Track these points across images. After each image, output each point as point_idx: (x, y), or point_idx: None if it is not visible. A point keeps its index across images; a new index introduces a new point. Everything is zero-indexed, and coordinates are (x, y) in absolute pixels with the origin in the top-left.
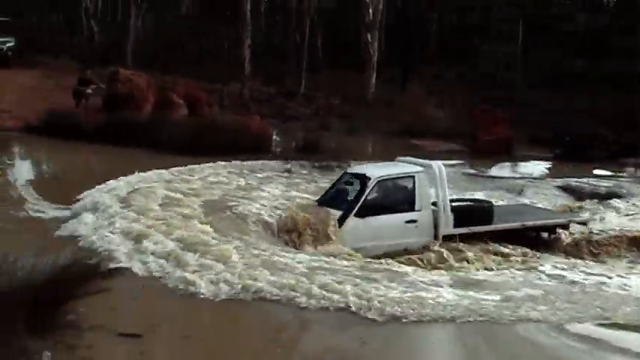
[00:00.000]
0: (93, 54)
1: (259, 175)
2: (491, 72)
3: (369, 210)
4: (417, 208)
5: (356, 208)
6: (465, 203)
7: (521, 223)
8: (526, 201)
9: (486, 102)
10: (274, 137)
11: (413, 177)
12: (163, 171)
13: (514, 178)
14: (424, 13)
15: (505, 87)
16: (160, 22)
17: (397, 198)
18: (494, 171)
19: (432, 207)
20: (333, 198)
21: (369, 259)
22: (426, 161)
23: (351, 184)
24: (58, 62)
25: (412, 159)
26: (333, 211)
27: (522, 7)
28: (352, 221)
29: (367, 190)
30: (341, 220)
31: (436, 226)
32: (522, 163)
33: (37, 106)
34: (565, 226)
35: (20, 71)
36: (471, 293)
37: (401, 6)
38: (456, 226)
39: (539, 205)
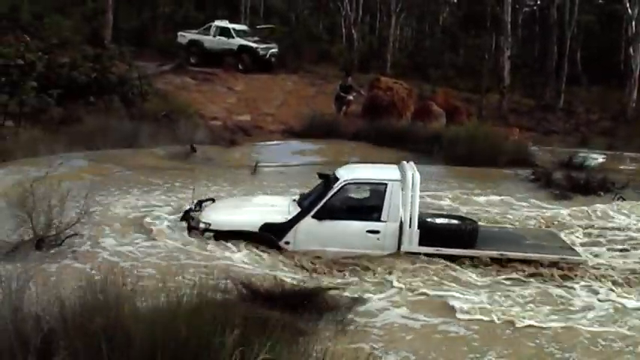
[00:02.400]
0: (353, 61)
1: None
2: None
3: (330, 213)
4: (382, 218)
5: (314, 210)
6: (443, 221)
7: (499, 252)
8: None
9: None
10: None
11: (385, 185)
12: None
13: None
14: None
15: None
16: (418, 31)
17: (364, 205)
18: None
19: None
20: (305, 198)
21: None
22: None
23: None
24: (319, 68)
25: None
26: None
27: None
28: (307, 222)
29: (331, 192)
30: (295, 220)
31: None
32: None
33: (299, 111)
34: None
35: (282, 77)
36: None
37: None
38: (423, 244)
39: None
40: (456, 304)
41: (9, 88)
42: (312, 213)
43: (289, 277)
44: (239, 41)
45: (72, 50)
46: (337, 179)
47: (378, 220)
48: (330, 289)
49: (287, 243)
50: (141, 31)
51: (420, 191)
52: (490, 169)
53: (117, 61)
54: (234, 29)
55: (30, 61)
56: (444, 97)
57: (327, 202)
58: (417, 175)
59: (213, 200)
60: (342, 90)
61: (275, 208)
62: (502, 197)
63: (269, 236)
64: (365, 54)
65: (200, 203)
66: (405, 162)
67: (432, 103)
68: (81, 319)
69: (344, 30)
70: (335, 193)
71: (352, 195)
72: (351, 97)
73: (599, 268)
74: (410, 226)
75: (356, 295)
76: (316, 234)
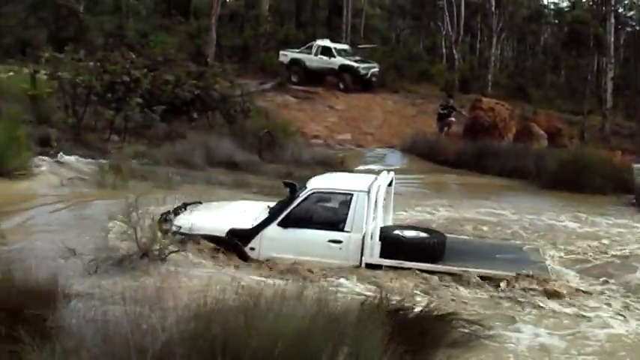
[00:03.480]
0: (453, 81)
1: None
2: None
3: (295, 221)
4: (346, 228)
5: (280, 217)
6: (412, 233)
7: (461, 269)
8: None
9: None
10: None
11: (351, 195)
12: None
13: None
14: None
15: None
16: (519, 51)
17: (329, 214)
18: None
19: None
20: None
21: None
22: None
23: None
24: (419, 88)
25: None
26: None
27: None
28: (272, 229)
29: (297, 201)
30: (261, 226)
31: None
32: None
33: (399, 130)
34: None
35: (383, 96)
36: None
37: None
38: (385, 256)
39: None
40: None
41: (115, 104)
42: (277, 220)
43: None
44: (340, 60)
45: (176, 67)
46: (305, 188)
47: (342, 230)
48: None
49: (252, 249)
50: (243, 49)
51: (532, 216)
52: (595, 195)
53: (220, 78)
54: (335, 48)
55: (135, 78)
56: (546, 118)
57: (292, 210)
58: (383, 187)
59: (200, 203)
60: (443, 110)
61: (247, 214)
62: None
63: (235, 241)
64: (465, 74)
65: (185, 206)
66: (385, 172)
67: (533, 125)
68: (197, 329)
69: (444, 50)
70: (301, 201)
71: (318, 204)
72: (452, 119)
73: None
74: (371, 238)
75: None
76: (280, 241)
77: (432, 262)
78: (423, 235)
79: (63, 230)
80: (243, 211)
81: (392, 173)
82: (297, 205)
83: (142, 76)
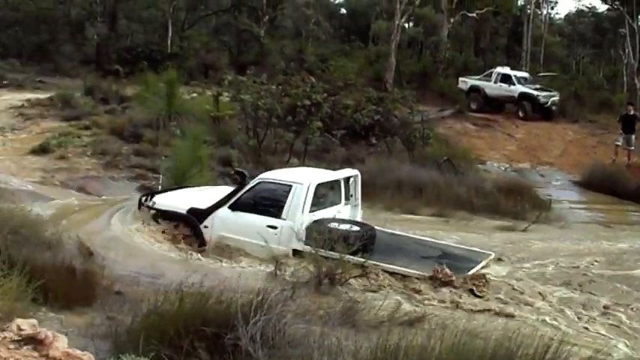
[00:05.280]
0: None
1: None
2: None
3: (242, 206)
4: (283, 216)
5: (230, 201)
6: (345, 226)
7: (375, 262)
8: None
9: None
10: None
11: (290, 186)
12: None
13: None
14: None
15: None
16: None
17: (270, 202)
18: None
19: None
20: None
21: None
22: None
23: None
24: (600, 118)
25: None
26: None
27: None
28: (223, 211)
29: (246, 188)
30: (215, 208)
31: None
32: None
33: (579, 160)
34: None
35: (563, 125)
36: None
37: None
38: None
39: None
40: None
41: (295, 127)
42: (228, 204)
43: None
44: (520, 88)
45: (356, 92)
46: (254, 177)
47: (279, 217)
48: None
49: (206, 227)
50: (422, 75)
51: None
52: None
53: (399, 104)
54: (515, 76)
55: (316, 102)
56: None
57: (241, 195)
58: (315, 182)
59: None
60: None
61: (211, 196)
62: None
63: (192, 219)
64: None
65: (174, 188)
66: (348, 169)
67: None
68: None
69: (625, 79)
70: (249, 189)
71: (264, 193)
72: (632, 147)
73: None
74: (299, 226)
75: None
76: (228, 222)
77: (356, 254)
78: (353, 228)
79: None
80: (210, 195)
81: (355, 171)
82: (245, 192)
83: (322, 101)
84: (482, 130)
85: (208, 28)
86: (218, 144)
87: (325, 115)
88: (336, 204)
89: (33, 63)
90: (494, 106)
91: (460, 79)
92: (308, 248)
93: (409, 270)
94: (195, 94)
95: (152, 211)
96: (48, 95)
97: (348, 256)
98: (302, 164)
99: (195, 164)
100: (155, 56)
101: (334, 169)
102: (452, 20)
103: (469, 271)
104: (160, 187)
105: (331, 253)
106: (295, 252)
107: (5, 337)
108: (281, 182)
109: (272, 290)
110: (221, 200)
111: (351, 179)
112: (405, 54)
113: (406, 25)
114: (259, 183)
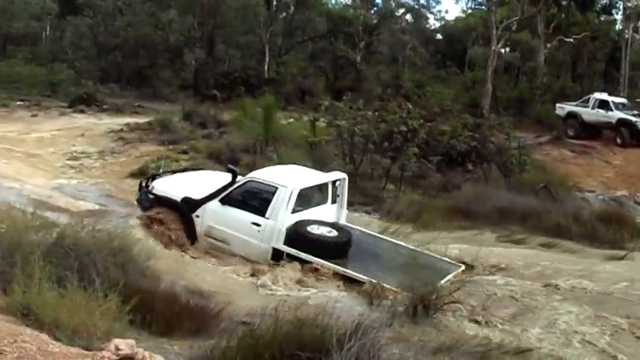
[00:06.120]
0: None
1: None
2: None
3: (231, 201)
4: (267, 215)
5: (221, 195)
6: (323, 230)
7: (343, 269)
8: None
9: None
10: None
11: (276, 188)
12: None
13: None
14: None
15: None
16: None
17: (256, 201)
18: None
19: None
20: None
21: None
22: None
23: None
24: None
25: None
26: None
27: None
28: (214, 204)
29: (236, 185)
30: (207, 200)
31: None
32: None
33: None
34: None
35: None
36: None
37: None
38: (288, 244)
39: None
40: None
41: (392, 153)
42: (219, 198)
43: None
44: (618, 114)
45: (452, 119)
46: (244, 175)
47: (263, 215)
48: None
49: (197, 217)
50: (518, 101)
51: None
52: None
53: (495, 130)
54: (613, 102)
55: (412, 128)
56: None
57: (231, 191)
58: (299, 186)
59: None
60: None
61: (206, 186)
62: None
63: (185, 207)
64: None
65: (174, 172)
66: (337, 172)
67: None
68: None
69: None
70: (238, 186)
71: (253, 190)
72: None
73: None
74: (280, 226)
75: None
76: (217, 215)
77: (333, 258)
78: (328, 233)
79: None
80: (205, 184)
81: (343, 174)
82: (235, 188)
83: (418, 127)
84: (579, 156)
85: (305, 53)
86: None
87: (421, 141)
88: (322, 204)
89: (132, 88)
90: (592, 132)
91: (557, 105)
92: (287, 248)
93: (359, 275)
94: (291, 120)
95: (150, 196)
96: (147, 120)
97: (310, 257)
98: (398, 190)
99: None
100: (252, 81)
101: (431, 196)
102: (549, 45)
103: (441, 280)
104: (161, 170)
105: (301, 254)
106: (275, 250)
107: (104, 357)
108: (267, 183)
109: (367, 316)
110: (213, 193)
111: (338, 182)
112: (502, 80)
113: (503, 51)
114: (248, 181)
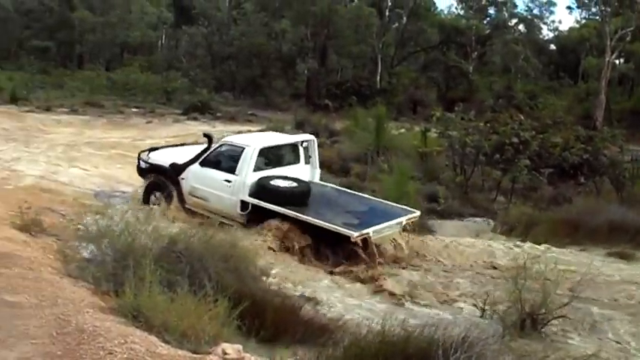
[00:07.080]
0: None
1: None
2: None
3: (208, 163)
4: (236, 172)
5: (200, 159)
6: (284, 183)
7: (305, 217)
8: None
9: None
10: None
11: (243, 149)
12: None
13: None
14: None
15: None
16: None
17: (228, 161)
18: None
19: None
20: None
21: None
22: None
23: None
24: None
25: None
26: None
27: None
28: (195, 167)
29: (212, 149)
30: (189, 163)
31: None
32: None
33: None
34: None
35: None
36: None
37: None
38: (253, 196)
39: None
40: None
41: (503, 165)
42: (199, 161)
43: None
44: None
45: (564, 130)
46: (217, 140)
47: (233, 173)
48: None
49: (182, 179)
50: (633, 113)
51: None
52: None
53: (608, 143)
54: None
55: (524, 140)
56: None
57: (208, 155)
58: (260, 146)
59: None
60: None
61: (192, 154)
62: None
63: (172, 171)
64: None
65: (172, 146)
66: (306, 135)
67: None
68: None
69: None
70: (214, 149)
71: (225, 152)
72: None
73: None
74: (244, 180)
75: None
76: (198, 176)
77: (293, 206)
78: (291, 184)
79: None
80: (194, 152)
81: (311, 136)
82: (212, 151)
83: (530, 139)
84: None
85: (417, 64)
86: (425, 180)
87: (533, 153)
88: (295, 164)
89: (245, 96)
90: None
91: None
92: (251, 199)
93: (338, 228)
94: (403, 130)
95: (146, 165)
96: (260, 128)
97: (275, 207)
98: (509, 202)
99: (402, 199)
100: (364, 91)
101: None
102: None
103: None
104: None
105: (263, 203)
106: (243, 202)
107: None
108: (236, 144)
109: (474, 328)
110: (194, 157)
111: (305, 143)
112: (616, 91)
113: (617, 62)
114: (222, 145)
